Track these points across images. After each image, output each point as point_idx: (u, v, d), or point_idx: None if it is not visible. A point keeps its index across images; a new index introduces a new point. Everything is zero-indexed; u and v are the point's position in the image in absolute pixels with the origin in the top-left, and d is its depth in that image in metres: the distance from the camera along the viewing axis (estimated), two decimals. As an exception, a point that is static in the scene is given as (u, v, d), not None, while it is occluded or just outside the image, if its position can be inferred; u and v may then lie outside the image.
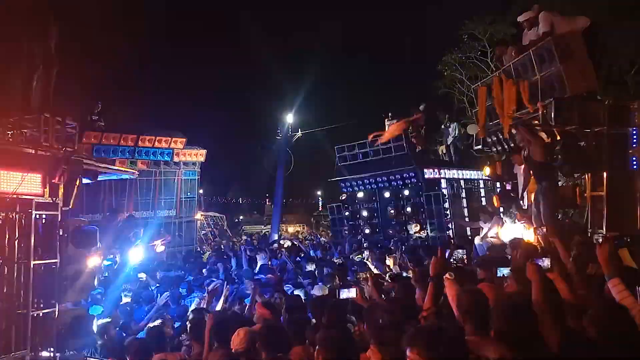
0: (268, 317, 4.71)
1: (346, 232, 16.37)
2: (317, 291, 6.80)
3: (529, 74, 8.36)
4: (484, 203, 13.18)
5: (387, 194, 15.27)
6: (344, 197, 16.93)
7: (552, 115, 7.68)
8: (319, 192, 27.35)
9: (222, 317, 4.73)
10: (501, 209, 10.08)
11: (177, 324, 5.71)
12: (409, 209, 14.65)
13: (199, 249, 15.99)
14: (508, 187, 10.91)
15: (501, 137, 9.51)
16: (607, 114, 7.55)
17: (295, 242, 13.38)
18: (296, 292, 6.87)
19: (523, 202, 9.45)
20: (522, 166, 9.19)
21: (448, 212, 13.62)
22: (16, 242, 5.38)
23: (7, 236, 5.36)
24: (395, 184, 14.88)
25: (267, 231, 22.13)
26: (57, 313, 5.42)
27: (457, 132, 13.58)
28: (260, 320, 4.70)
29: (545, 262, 3.43)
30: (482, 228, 10.13)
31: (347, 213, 16.57)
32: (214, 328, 4.27)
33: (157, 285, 8.16)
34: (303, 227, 25.39)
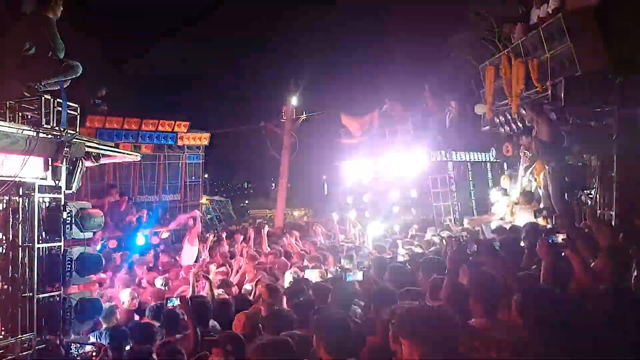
0: (268, 300, 4.71)
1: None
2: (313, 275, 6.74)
3: (538, 52, 8.19)
4: (490, 185, 13.05)
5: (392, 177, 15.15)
6: (349, 185, 16.86)
7: (562, 95, 7.55)
8: (324, 176, 27.24)
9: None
10: (508, 191, 9.98)
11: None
12: (414, 193, 14.57)
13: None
14: (515, 167, 10.79)
15: (509, 117, 9.37)
16: (618, 93, 7.39)
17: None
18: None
19: (523, 184, 9.35)
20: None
21: (455, 195, 13.52)
22: (20, 225, 5.35)
23: (11, 220, 5.33)
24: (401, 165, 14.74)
25: (273, 215, 22.11)
26: (62, 296, 5.41)
27: (455, 110, 13.37)
28: (261, 301, 4.71)
29: (559, 238, 3.36)
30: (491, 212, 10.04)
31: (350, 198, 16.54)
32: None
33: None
34: (308, 210, 25.35)
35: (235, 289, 6.75)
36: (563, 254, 3.51)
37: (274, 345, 3.04)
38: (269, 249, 9.44)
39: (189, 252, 9.82)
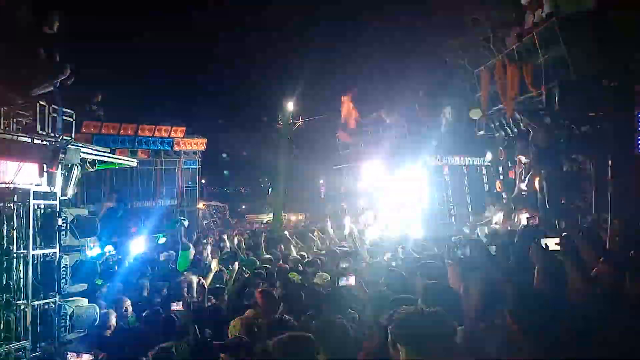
0: (264, 305, 4.71)
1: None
2: (318, 279, 6.75)
3: (532, 57, 8.23)
4: (486, 189, 13.07)
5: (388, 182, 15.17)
6: (343, 190, 16.87)
7: (557, 99, 7.58)
8: (321, 180, 27.22)
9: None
10: (503, 195, 10.01)
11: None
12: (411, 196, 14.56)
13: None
14: (511, 173, 10.82)
15: (504, 121, 9.41)
16: (612, 98, 7.42)
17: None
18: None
19: (521, 188, 9.37)
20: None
21: (451, 199, 13.54)
22: (15, 232, 5.32)
23: (5, 226, 5.30)
24: (397, 170, 14.77)
25: (269, 220, 22.09)
26: (57, 303, 5.38)
27: (449, 116, 13.41)
28: (257, 306, 4.72)
29: (552, 243, 3.33)
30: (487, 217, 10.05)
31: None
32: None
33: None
34: (305, 215, 25.31)
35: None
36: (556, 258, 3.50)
37: (296, 340, 3.03)
38: (267, 254, 9.42)
39: (184, 257, 9.81)
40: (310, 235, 11.99)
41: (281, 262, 8.60)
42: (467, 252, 3.85)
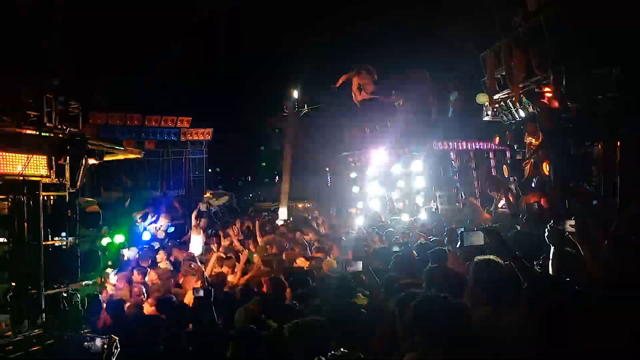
0: (272, 292, 4.79)
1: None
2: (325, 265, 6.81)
3: (539, 40, 8.14)
4: (494, 174, 13.02)
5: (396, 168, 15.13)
6: (353, 176, 16.82)
7: (564, 82, 7.50)
8: (327, 168, 27.17)
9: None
10: (511, 179, 9.97)
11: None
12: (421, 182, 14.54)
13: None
14: (519, 156, 10.76)
15: (511, 105, 9.34)
16: (621, 80, 7.33)
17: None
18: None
19: (526, 171, 9.30)
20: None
21: (458, 184, 13.51)
22: (25, 223, 5.38)
23: (16, 218, 5.36)
24: (404, 156, 14.74)
25: (277, 207, 22.16)
26: (70, 292, 5.46)
27: (455, 98, 13.35)
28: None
29: (567, 225, 3.23)
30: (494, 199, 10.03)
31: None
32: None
33: None
34: (311, 203, 25.32)
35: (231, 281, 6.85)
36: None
37: (310, 325, 3.08)
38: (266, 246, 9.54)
39: (196, 242, 10.00)
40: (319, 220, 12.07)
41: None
42: (473, 240, 3.76)
